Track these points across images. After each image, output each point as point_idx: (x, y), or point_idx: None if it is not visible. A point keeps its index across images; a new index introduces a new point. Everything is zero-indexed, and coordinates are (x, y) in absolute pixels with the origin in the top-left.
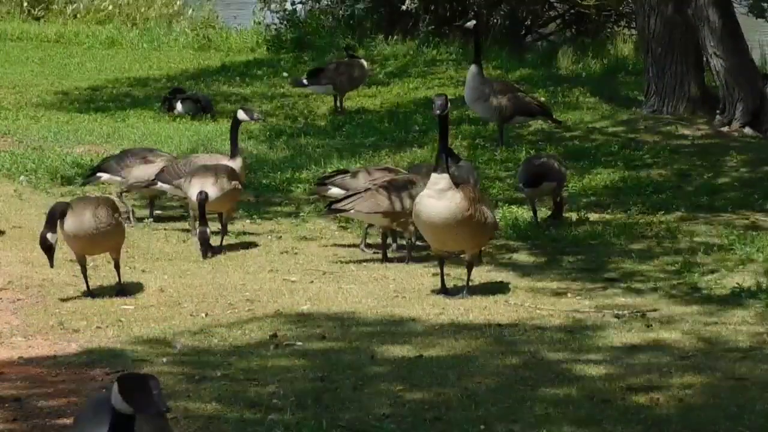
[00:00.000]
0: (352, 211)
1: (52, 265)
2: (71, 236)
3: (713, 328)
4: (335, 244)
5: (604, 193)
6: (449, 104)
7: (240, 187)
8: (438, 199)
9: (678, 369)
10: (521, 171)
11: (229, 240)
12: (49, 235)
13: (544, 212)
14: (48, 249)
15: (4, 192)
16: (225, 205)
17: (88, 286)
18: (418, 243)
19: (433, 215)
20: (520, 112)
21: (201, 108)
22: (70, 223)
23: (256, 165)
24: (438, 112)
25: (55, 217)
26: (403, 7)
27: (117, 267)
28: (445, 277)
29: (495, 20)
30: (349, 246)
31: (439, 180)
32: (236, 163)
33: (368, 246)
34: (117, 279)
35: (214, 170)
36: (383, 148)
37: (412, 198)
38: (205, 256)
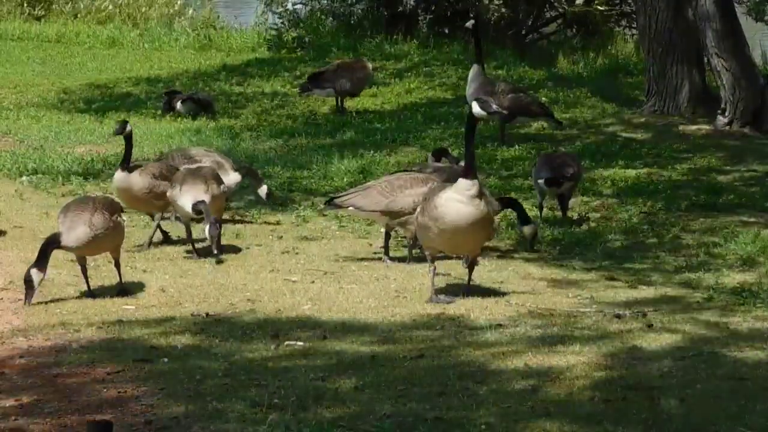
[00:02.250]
0: (351, 207)
1: (27, 303)
2: (71, 248)
3: (714, 328)
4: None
5: (604, 193)
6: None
7: (226, 190)
8: (468, 204)
9: (678, 369)
10: (541, 168)
11: (229, 240)
12: (33, 272)
13: (545, 212)
14: (29, 285)
15: (5, 192)
16: (215, 207)
17: (89, 286)
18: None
19: (459, 220)
20: (522, 113)
21: (201, 108)
22: (67, 238)
23: (257, 165)
24: (481, 116)
25: (47, 254)
26: (401, 8)
27: (117, 266)
28: (445, 276)
29: (492, 19)
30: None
31: (472, 186)
32: (133, 179)
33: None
34: (117, 279)
35: (203, 176)
36: (384, 148)
37: (413, 198)
38: (219, 251)
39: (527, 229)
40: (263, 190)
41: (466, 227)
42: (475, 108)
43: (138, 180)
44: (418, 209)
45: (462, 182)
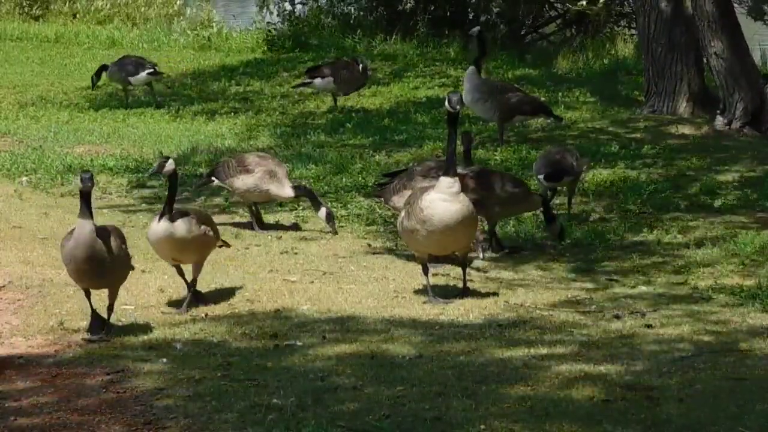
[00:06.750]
0: (382, 198)
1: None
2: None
3: (713, 328)
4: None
5: (604, 193)
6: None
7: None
8: (454, 202)
9: (678, 369)
10: (541, 163)
11: (228, 240)
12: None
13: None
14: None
15: (4, 192)
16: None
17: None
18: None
19: (448, 219)
20: (520, 112)
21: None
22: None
23: None
24: (455, 108)
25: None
26: (401, 7)
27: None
28: (444, 277)
29: (492, 20)
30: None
31: (453, 183)
32: None
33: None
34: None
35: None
36: (383, 148)
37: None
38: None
39: (553, 227)
40: (323, 213)
41: (455, 225)
42: (445, 103)
43: None
44: (402, 215)
45: (444, 180)
